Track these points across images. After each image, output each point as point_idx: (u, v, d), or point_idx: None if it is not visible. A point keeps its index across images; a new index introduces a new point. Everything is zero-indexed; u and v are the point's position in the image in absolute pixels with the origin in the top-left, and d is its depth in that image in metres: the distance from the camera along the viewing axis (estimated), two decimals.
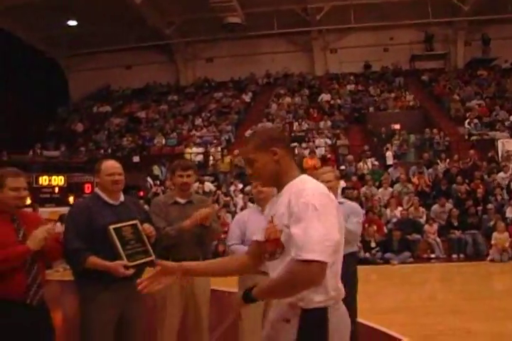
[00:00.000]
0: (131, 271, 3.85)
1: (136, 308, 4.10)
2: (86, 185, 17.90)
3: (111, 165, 4.19)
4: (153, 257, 4.07)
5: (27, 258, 3.54)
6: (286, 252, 2.42)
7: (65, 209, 16.38)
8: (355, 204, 5.34)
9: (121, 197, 4.23)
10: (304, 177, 2.63)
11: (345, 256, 4.80)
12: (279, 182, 2.62)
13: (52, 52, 29.30)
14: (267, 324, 2.66)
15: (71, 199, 17.16)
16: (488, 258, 12.72)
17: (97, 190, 4.21)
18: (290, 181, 2.58)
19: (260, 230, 2.69)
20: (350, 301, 4.95)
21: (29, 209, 12.86)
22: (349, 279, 4.94)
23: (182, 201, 4.86)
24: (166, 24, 26.75)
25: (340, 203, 5.06)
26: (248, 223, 4.72)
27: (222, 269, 2.83)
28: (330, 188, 4.98)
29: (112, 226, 3.96)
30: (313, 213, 2.38)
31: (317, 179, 3.60)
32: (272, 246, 2.50)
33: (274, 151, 2.56)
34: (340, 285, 2.56)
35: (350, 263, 5.00)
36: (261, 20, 25.69)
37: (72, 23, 26.36)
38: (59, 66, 30.40)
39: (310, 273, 2.32)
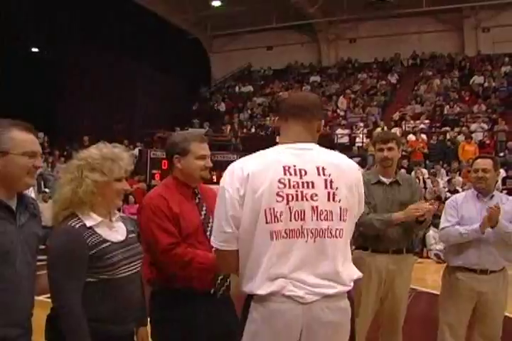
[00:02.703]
0: None
1: None
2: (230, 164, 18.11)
3: None
4: None
5: None
6: None
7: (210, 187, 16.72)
8: None
9: None
10: (272, 148, 2.39)
11: None
12: None
13: (195, 32, 29.79)
14: None
15: (214, 177, 17.36)
16: None
17: None
18: None
19: None
20: None
21: None
22: None
23: (386, 180, 4.25)
24: (308, 3, 26.23)
25: None
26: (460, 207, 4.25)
27: None
28: None
29: None
30: (219, 196, 2.28)
31: None
32: None
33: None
34: (276, 283, 2.18)
35: None
36: None
37: (216, 3, 26.57)
38: (202, 46, 30.88)
39: (216, 258, 2.39)
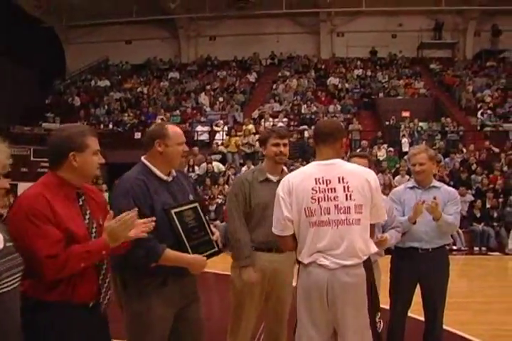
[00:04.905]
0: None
1: (195, 307, 3.36)
2: None
3: (180, 133, 3.35)
4: (216, 248, 3.39)
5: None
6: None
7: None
8: (452, 190, 4.67)
9: (173, 171, 3.35)
10: (308, 165, 3.43)
11: (437, 249, 4.35)
12: None
13: (50, 21, 28.18)
14: None
15: None
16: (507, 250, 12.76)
17: (145, 161, 3.27)
18: None
19: None
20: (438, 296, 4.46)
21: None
22: (440, 274, 4.52)
23: (274, 178, 4.08)
24: None
25: (435, 187, 4.58)
26: None
27: None
28: (423, 172, 4.50)
29: (173, 211, 3.15)
30: (276, 200, 3.29)
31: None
32: None
33: None
34: (313, 256, 3.17)
35: (443, 257, 4.58)
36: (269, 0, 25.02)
37: None
38: (57, 36, 29.31)
39: (278, 241, 3.41)
